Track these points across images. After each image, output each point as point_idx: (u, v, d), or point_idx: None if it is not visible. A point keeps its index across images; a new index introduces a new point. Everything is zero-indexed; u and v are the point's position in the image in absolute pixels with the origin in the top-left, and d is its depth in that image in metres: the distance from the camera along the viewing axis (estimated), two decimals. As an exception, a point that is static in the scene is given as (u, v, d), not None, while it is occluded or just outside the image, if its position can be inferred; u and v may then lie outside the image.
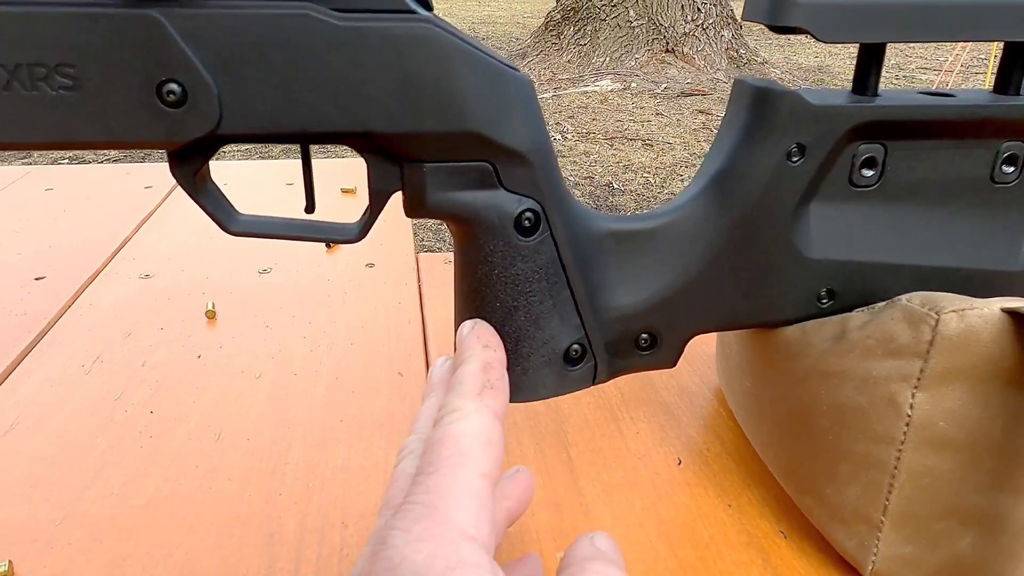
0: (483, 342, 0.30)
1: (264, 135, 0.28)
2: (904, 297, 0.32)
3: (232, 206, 0.31)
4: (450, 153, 0.29)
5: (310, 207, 0.32)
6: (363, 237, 0.31)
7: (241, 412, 0.47)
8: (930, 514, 0.32)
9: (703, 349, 0.54)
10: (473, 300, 0.32)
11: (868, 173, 0.34)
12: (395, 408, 0.48)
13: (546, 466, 0.42)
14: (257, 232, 0.31)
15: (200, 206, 0.30)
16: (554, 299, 0.32)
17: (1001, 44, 0.33)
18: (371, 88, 0.27)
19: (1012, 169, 0.34)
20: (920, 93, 0.34)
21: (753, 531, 0.38)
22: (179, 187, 0.85)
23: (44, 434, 0.44)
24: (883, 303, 0.33)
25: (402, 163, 0.30)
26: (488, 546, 0.23)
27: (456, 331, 0.34)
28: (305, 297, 0.62)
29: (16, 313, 0.58)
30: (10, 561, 0.35)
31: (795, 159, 0.32)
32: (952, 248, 0.35)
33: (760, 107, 0.32)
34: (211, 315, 0.58)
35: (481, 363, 0.29)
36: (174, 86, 0.26)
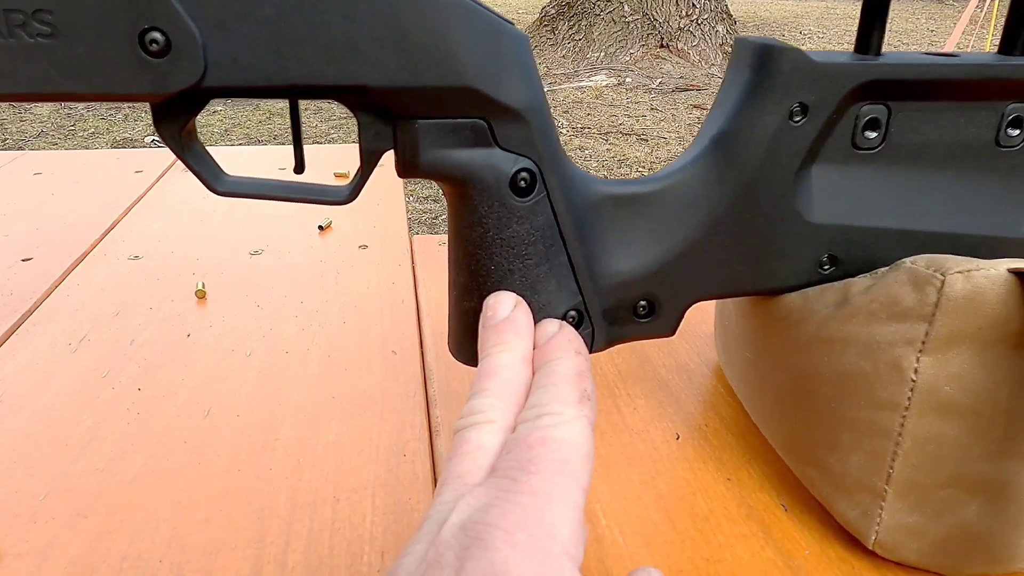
0: (575, 347, 0.28)
1: (252, 89, 0.27)
2: (908, 259, 0.31)
3: (219, 166, 0.30)
4: (444, 109, 0.28)
5: (299, 167, 0.31)
6: (354, 198, 0.30)
7: (231, 389, 0.46)
8: (935, 482, 0.31)
9: (701, 328, 0.53)
10: (468, 264, 0.31)
11: (871, 135, 0.33)
12: (388, 385, 0.47)
13: (542, 441, 0.41)
14: (245, 192, 0.30)
15: (186, 165, 0.29)
16: (550, 263, 0.31)
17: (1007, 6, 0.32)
18: (364, 41, 0.27)
19: (1017, 132, 0.34)
20: (924, 54, 0.33)
21: (753, 504, 0.37)
22: (169, 171, 0.84)
23: (29, 411, 0.43)
24: (887, 267, 0.32)
25: (395, 120, 0.29)
26: (581, 554, 0.22)
27: (450, 299, 0.33)
28: (297, 278, 0.61)
29: (2, 293, 0.57)
30: (-8, 535, 0.34)
31: (797, 119, 0.32)
32: (957, 213, 0.34)
33: (762, 65, 0.31)
34: (201, 295, 0.57)
35: (576, 369, 0.27)
36: (157, 35, 0.25)
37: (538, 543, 0.20)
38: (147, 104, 0.27)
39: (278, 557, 0.34)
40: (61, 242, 0.67)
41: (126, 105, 3.44)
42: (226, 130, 3.17)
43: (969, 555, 0.32)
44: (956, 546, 0.32)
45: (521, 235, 0.31)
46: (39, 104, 3.46)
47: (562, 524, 0.21)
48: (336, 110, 3.39)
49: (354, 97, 0.28)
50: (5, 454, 0.40)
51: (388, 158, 0.30)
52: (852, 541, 0.34)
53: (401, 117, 0.29)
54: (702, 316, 0.53)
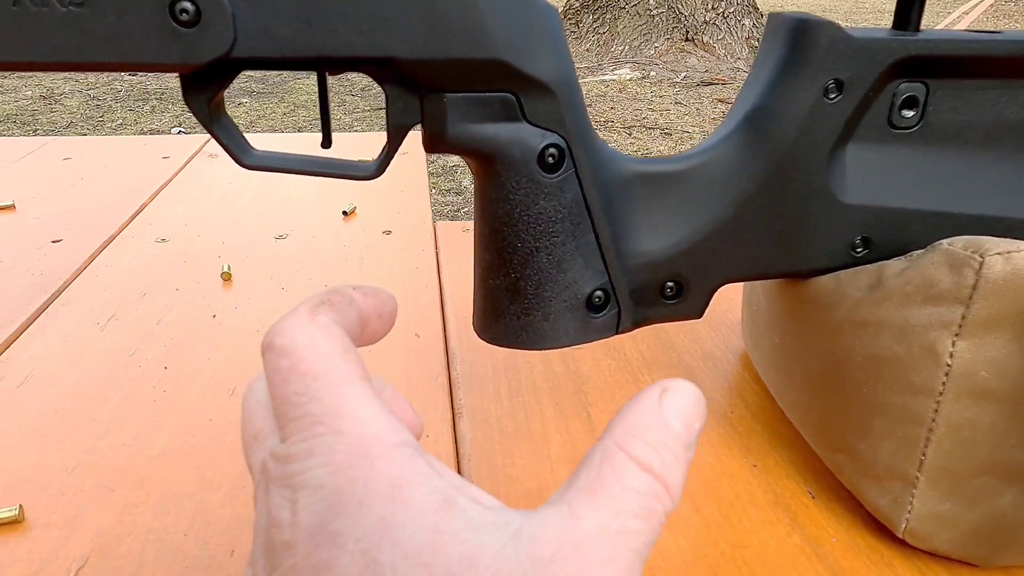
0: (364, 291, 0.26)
1: (280, 60, 0.27)
2: (946, 241, 0.30)
3: (247, 140, 0.30)
4: (472, 82, 0.28)
5: (326, 142, 0.31)
6: (380, 174, 0.30)
7: (256, 369, 0.46)
8: (969, 469, 0.31)
9: (727, 315, 0.52)
10: (494, 241, 0.31)
11: (909, 114, 0.32)
12: (412, 368, 0.47)
13: (566, 425, 0.41)
14: (272, 166, 0.30)
15: (214, 137, 0.29)
16: (577, 241, 0.31)
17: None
18: (392, 11, 0.26)
19: (1061, 112, 0.33)
20: (965, 31, 0.32)
21: (780, 491, 0.37)
22: (195, 157, 0.84)
23: (58, 387, 0.44)
24: (922, 250, 0.31)
25: (422, 93, 0.29)
26: (410, 436, 0.20)
27: (475, 277, 0.33)
28: (322, 262, 0.61)
29: (32, 274, 0.58)
30: (21, 505, 0.34)
31: (832, 96, 0.31)
32: (996, 196, 0.33)
33: (796, 40, 0.31)
34: (227, 277, 0.57)
35: (329, 291, 0.24)
36: (187, 4, 0.25)
37: (357, 450, 0.19)
38: (175, 85, 0.27)
39: (301, 533, 0.34)
40: (90, 225, 0.67)
41: (153, 96, 3.48)
42: (251, 122, 3.20)
43: (1003, 545, 0.31)
44: (989, 535, 0.31)
45: (548, 212, 0.30)
46: (69, 95, 3.51)
47: (369, 423, 0.20)
48: (360, 103, 3.40)
49: (382, 69, 0.28)
50: (35, 428, 0.40)
51: (412, 143, 0.30)
52: (881, 529, 0.34)
53: (429, 90, 0.28)
54: (728, 304, 0.52)
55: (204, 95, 0.28)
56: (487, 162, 0.30)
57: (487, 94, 0.28)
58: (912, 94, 0.32)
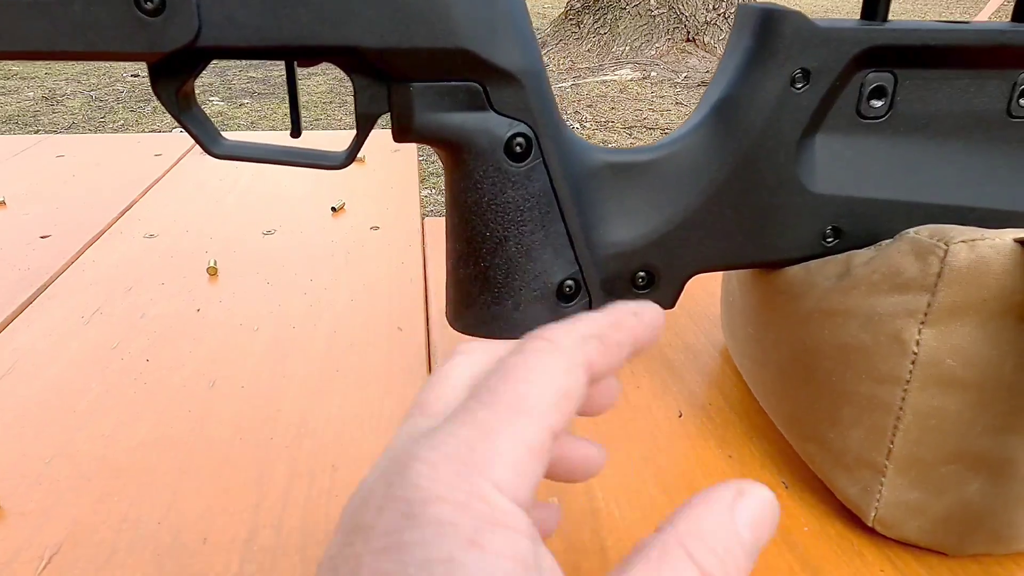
0: (634, 310, 0.24)
1: (247, 49, 0.27)
2: (912, 230, 0.30)
3: (217, 130, 0.30)
4: (438, 72, 0.28)
5: (295, 131, 0.31)
6: (349, 163, 0.31)
7: (237, 362, 0.46)
8: (936, 458, 0.31)
9: (709, 309, 0.52)
10: (463, 230, 0.31)
11: (877, 104, 0.32)
12: (393, 361, 0.47)
13: (543, 416, 0.41)
14: (242, 156, 0.30)
15: (183, 127, 0.29)
16: (546, 230, 0.31)
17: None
18: (357, 1, 0.27)
19: (1030, 102, 0.33)
20: (933, 21, 0.32)
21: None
22: (187, 155, 0.84)
23: (40, 379, 0.44)
24: (891, 239, 0.31)
25: (390, 83, 0.29)
26: (527, 507, 0.18)
27: (447, 267, 0.33)
28: (308, 257, 0.61)
29: (20, 268, 0.58)
30: (-4, 494, 0.34)
31: (799, 86, 0.31)
32: (966, 185, 0.33)
33: (764, 30, 0.31)
34: (212, 272, 0.58)
35: (613, 320, 0.23)
36: (152, -7, 0.25)
37: (461, 481, 0.18)
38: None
39: (273, 522, 0.34)
40: (79, 221, 0.68)
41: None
42: (252, 122, 3.20)
43: (970, 533, 0.31)
44: (957, 524, 0.31)
45: (516, 201, 0.30)
46: (71, 96, 3.52)
47: (500, 466, 0.19)
48: (360, 103, 3.40)
49: (348, 59, 0.28)
50: (15, 419, 0.41)
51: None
52: (852, 519, 0.34)
53: (395, 80, 0.29)
54: (711, 299, 0.52)
55: (172, 84, 0.28)
56: (455, 151, 0.30)
57: (453, 83, 0.29)
58: (880, 84, 0.32)
